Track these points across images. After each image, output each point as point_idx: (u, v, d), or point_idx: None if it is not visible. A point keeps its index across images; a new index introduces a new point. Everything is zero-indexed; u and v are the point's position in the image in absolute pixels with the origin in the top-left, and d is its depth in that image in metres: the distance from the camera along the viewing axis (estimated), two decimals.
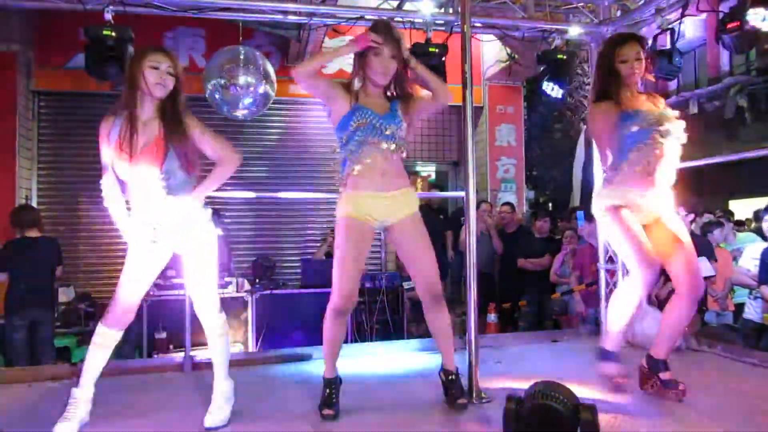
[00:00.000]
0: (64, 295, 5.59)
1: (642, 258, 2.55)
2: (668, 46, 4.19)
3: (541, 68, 4.55)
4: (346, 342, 2.89)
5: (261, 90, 5.02)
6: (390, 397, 2.80)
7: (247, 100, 5.05)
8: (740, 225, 6.69)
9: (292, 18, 4.31)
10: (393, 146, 2.46)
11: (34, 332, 4.43)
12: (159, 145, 2.25)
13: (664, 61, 4.13)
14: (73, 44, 5.83)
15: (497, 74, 7.62)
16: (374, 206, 2.47)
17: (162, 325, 4.80)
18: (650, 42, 3.97)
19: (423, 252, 2.54)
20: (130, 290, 2.32)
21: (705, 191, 8.32)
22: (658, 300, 4.01)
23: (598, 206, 2.72)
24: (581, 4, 4.51)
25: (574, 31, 4.42)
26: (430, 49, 4.16)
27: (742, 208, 8.47)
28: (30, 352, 4.42)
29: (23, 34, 6.33)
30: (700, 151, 4.16)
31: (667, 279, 3.21)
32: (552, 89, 4.52)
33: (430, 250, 2.55)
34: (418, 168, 8.05)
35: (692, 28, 10.25)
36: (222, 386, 2.45)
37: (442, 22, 4.43)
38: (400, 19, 4.24)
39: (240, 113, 5.17)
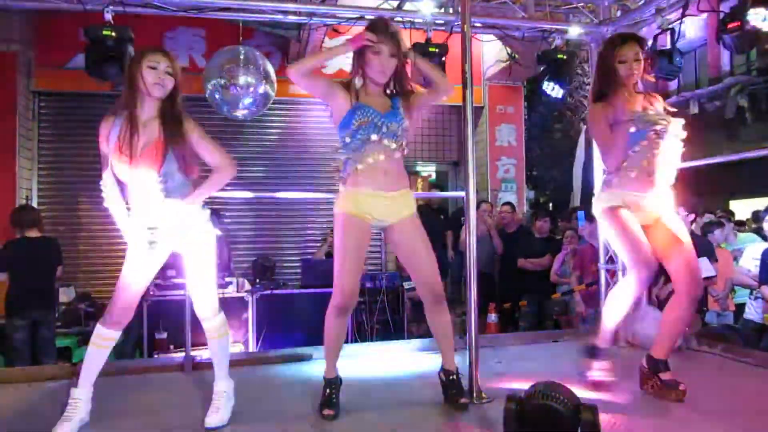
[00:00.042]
0: (65, 295, 5.59)
1: (637, 257, 2.56)
2: (668, 46, 4.18)
3: (541, 68, 4.54)
4: (346, 342, 2.88)
5: (261, 90, 5.03)
6: (390, 397, 2.79)
7: (247, 100, 5.06)
8: (741, 225, 6.68)
9: (292, 18, 4.31)
10: (395, 144, 2.45)
11: (34, 332, 4.44)
12: (158, 147, 2.25)
13: (665, 61, 4.12)
14: (73, 44, 5.81)
15: (497, 74, 7.60)
16: (374, 205, 2.46)
17: (162, 325, 4.80)
18: (650, 42, 3.97)
19: (423, 253, 2.53)
20: (128, 291, 2.32)
21: (705, 191, 8.30)
22: (658, 300, 4.01)
23: (597, 209, 2.75)
24: (581, 4, 4.51)
25: (574, 31, 4.41)
26: (431, 49, 4.17)
27: (743, 208, 8.46)
28: (30, 353, 4.42)
29: (23, 34, 6.34)
30: (701, 151, 4.16)
31: (668, 279, 3.22)
32: (552, 89, 4.51)
33: (430, 251, 2.55)
34: (418, 168, 8.04)
35: (693, 28, 10.25)
36: (222, 386, 2.45)
37: (442, 22, 4.43)
38: (400, 19, 4.23)
39: (240, 113, 5.18)
